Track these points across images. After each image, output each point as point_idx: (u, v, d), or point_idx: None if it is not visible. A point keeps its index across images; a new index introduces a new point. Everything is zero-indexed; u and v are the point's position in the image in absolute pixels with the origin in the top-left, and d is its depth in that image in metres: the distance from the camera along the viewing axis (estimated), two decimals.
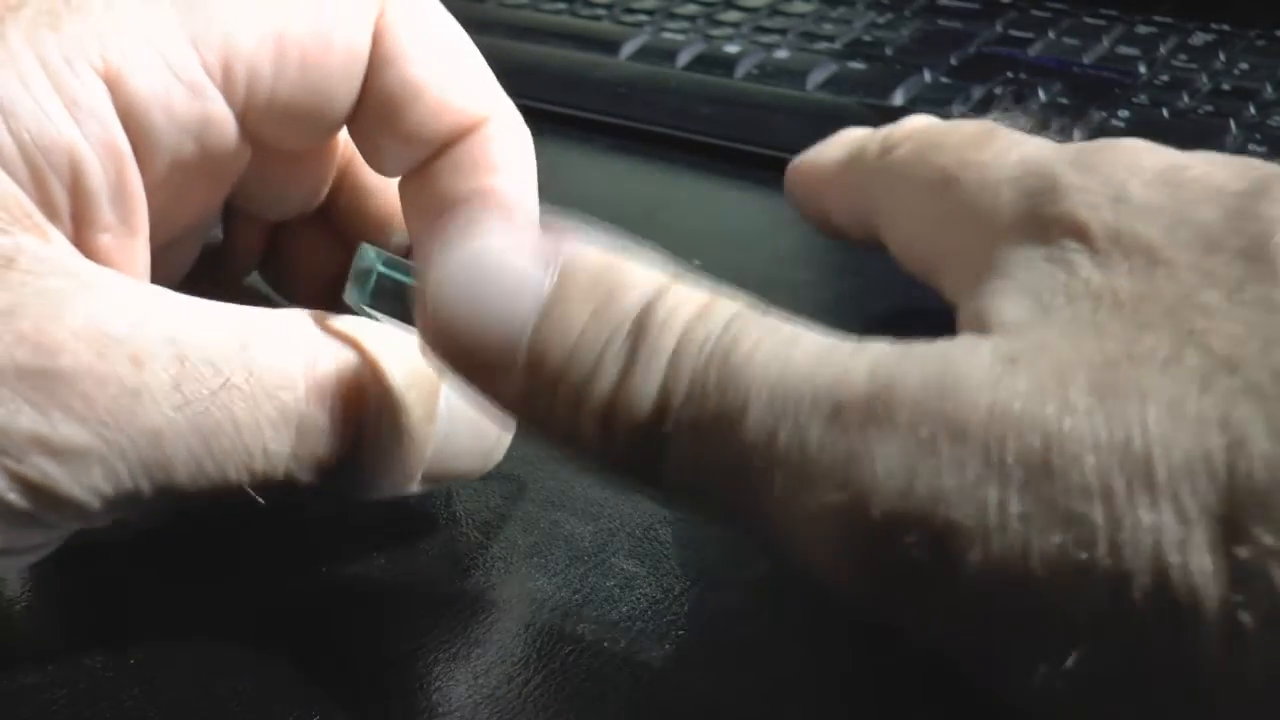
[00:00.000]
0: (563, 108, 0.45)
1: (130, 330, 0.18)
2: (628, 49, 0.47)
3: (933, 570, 0.15)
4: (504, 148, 0.22)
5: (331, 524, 0.24)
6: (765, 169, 0.40)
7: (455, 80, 0.22)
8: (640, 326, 0.17)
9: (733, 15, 0.50)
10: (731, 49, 0.46)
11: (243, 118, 0.21)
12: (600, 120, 0.44)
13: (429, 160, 0.22)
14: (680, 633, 0.21)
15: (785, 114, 0.42)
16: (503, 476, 0.25)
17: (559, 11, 0.51)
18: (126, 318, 0.18)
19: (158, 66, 0.20)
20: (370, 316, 0.21)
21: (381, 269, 0.20)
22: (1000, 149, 0.22)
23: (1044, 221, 0.19)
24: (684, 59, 0.46)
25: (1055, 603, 0.14)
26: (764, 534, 0.17)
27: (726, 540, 0.23)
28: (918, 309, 0.32)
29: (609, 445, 0.17)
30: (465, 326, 0.17)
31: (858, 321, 0.31)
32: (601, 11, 0.51)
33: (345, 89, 0.21)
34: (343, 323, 0.21)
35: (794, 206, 0.29)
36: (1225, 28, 0.47)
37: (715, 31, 0.48)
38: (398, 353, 0.21)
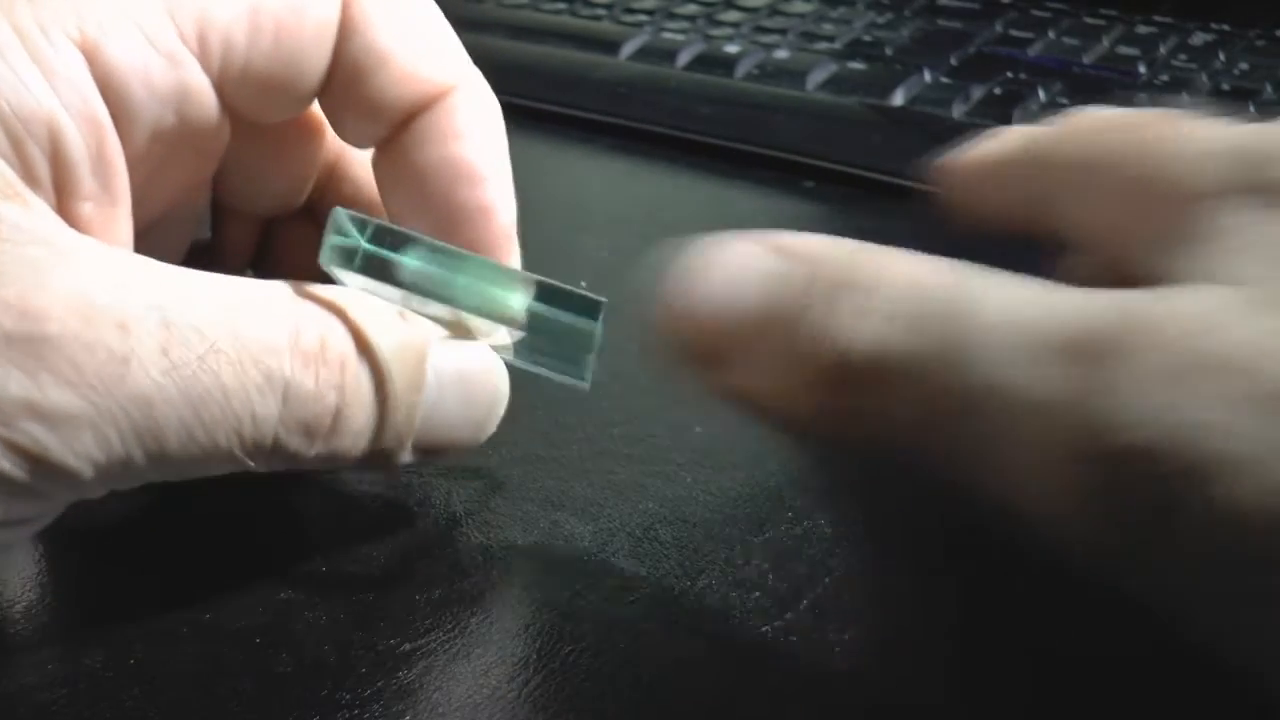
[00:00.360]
0: (563, 108, 0.45)
1: (116, 296, 0.18)
2: (628, 49, 0.47)
3: (1183, 505, 0.14)
4: (471, 116, 0.22)
5: (331, 523, 0.24)
6: (765, 169, 0.40)
7: (421, 48, 0.22)
8: (850, 279, 0.17)
9: (733, 15, 0.50)
10: (731, 49, 0.46)
11: (219, 88, 0.21)
12: (600, 120, 0.44)
13: (398, 131, 0.22)
14: (680, 633, 0.21)
15: (785, 114, 0.42)
16: (503, 476, 0.25)
17: (559, 11, 0.51)
18: (111, 284, 0.18)
19: (134, 36, 0.20)
20: (353, 284, 0.21)
21: (367, 246, 0.20)
22: (1191, 125, 0.21)
23: (1261, 187, 0.18)
24: (684, 59, 0.46)
25: None
26: (982, 483, 0.16)
27: (726, 540, 0.23)
28: None
29: (821, 395, 0.17)
30: (695, 300, 0.18)
31: None
32: (601, 11, 0.51)
33: (317, 58, 0.22)
34: (327, 292, 0.21)
35: (943, 202, 0.27)
36: (1225, 28, 0.47)
37: (715, 31, 0.48)
38: (382, 322, 0.21)
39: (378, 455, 0.21)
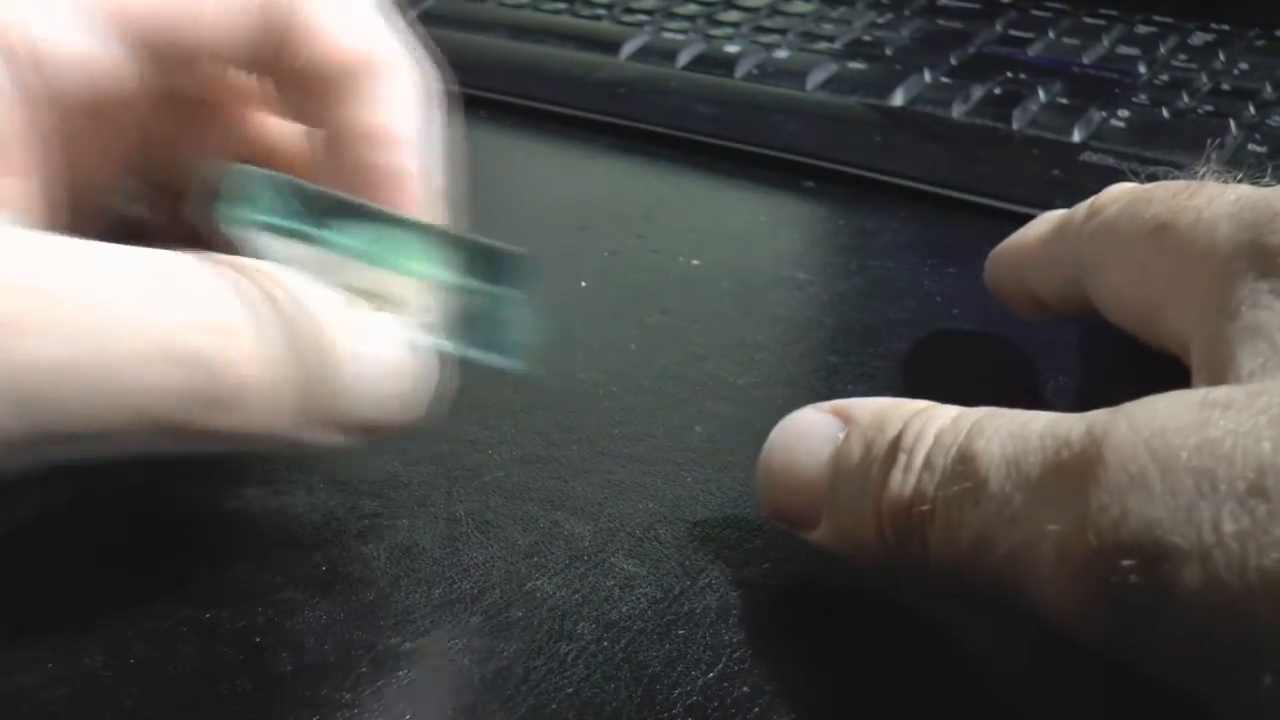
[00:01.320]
0: (563, 108, 0.45)
1: (7, 267, 0.17)
2: (628, 49, 0.47)
3: (1152, 593, 0.16)
4: (391, 85, 0.23)
5: (330, 522, 0.24)
6: (765, 169, 0.40)
7: (344, 20, 0.22)
8: (899, 438, 0.19)
9: (733, 15, 0.50)
10: (731, 49, 0.46)
11: (136, 58, 0.21)
12: (600, 120, 0.44)
13: (321, 101, 0.23)
14: (680, 633, 0.21)
15: (785, 114, 0.42)
16: (503, 476, 0.25)
17: (559, 11, 0.51)
18: (4, 254, 0.17)
19: (44, 4, 0.20)
20: (265, 250, 0.20)
21: (273, 205, 0.19)
22: (1214, 192, 0.22)
23: (1267, 253, 0.20)
24: (684, 59, 0.46)
25: (1277, 617, 0.15)
26: (1011, 597, 0.18)
27: (726, 540, 0.23)
28: (917, 309, 0.32)
29: (884, 542, 0.19)
30: (783, 475, 0.21)
31: (857, 322, 0.31)
32: (601, 11, 0.51)
33: (239, 29, 0.22)
34: (239, 264, 0.20)
35: (993, 288, 0.30)
36: (1225, 28, 0.47)
37: (715, 31, 0.48)
38: (301, 294, 0.20)
39: (300, 434, 0.20)
